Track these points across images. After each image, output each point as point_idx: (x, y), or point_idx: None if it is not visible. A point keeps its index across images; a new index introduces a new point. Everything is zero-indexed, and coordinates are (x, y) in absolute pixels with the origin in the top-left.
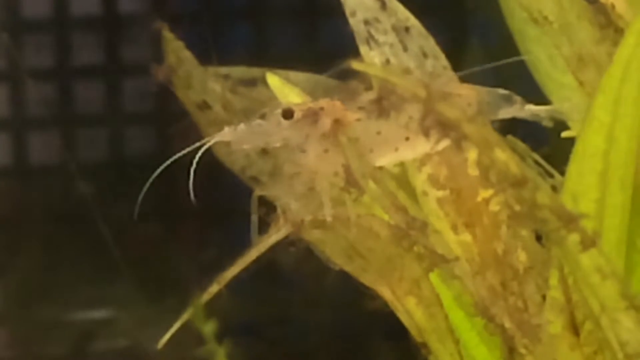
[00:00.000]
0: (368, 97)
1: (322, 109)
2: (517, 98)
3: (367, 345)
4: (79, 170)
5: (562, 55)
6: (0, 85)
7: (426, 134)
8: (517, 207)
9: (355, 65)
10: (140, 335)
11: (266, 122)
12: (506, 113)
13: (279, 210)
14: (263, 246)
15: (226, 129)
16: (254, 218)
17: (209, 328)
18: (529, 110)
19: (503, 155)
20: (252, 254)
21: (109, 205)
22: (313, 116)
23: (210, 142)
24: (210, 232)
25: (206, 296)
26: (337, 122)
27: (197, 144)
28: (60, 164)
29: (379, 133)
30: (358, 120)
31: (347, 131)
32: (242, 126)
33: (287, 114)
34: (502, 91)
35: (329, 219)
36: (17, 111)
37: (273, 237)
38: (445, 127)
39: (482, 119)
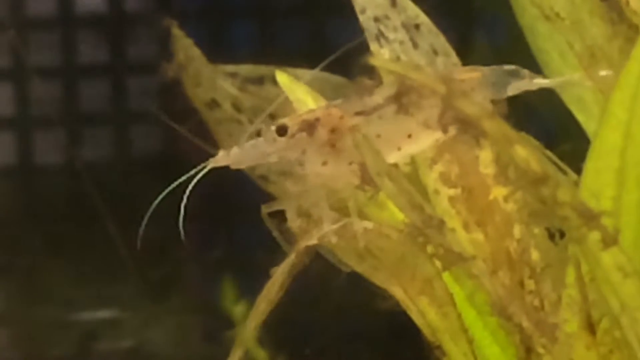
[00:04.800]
0: (385, 93)
1: (317, 119)
2: (525, 72)
3: (378, 346)
4: (84, 169)
5: (573, 52)
6: (6, 84)
7: (445, 130)
8: (537, 205)
9: (374, 61)
10: (144, 336)
11: (261, 140)
12: (515, 88)
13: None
14: (280, 276)
15: (221, 153)
16: (276, 234)
17: (238, 310)
18: (538, 83)
19: (523, 151)
20: (274, 286)
21: (114, 204)
22: (309, 128)
23: (206, 168)
24: (215, 232)
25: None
26: (334, 132)
27: (195, 170)
28: (65, 162)
29: (379, 136)
30: (356, 126)
31: (345, 140)
32: (235, 149)
33: (281, 130)
34: (508, 67)
35: (333, 240)
36: (22, 109)
37: (285, 265)
38: (465, 123)
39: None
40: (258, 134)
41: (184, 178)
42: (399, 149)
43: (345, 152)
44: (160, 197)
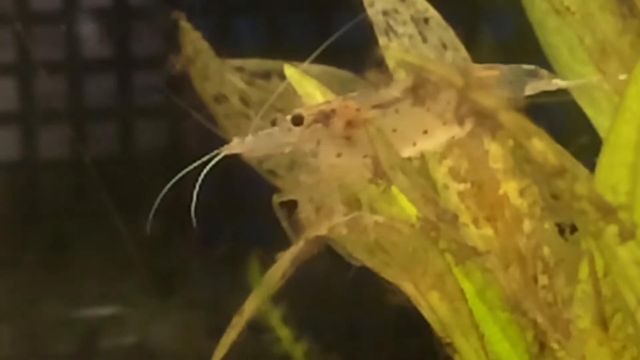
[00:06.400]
0: (401, 86)
1: (333, 111)
2: (544, 72)
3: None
4: (89, 165)
5: (584, 47)
6: (11, 78)
7: (461, 123)
8: (554, 198)
9: (392, 52)
10: (148, 332)
11: (276, 130)
12: (533, 88)
13: (299, 219)
14: (284, 263)
15: (235, 141)
16: (285, 224)
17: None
18: (557, 84)
19: (540, 144)
20: (277, 272)
21: (119, 199)
22: (324, 120)
23: (219, 155)
24: (219, 228)
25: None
26: (350, 124)
27: (208, 156)
28: (69, 158)
29: (394, 130)
30: (372, 119)
31: (360, 133)
32: (250, 137)
33: (297, 120)
34: (526, 66)
35: (343, 232)
36: (27, 104)
37: (291, 252)
38: (481, 116)
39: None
40: (273, 123)
41: (191, 168)
42: (414, 144)
43: (360, 145)
44: (166, 188)
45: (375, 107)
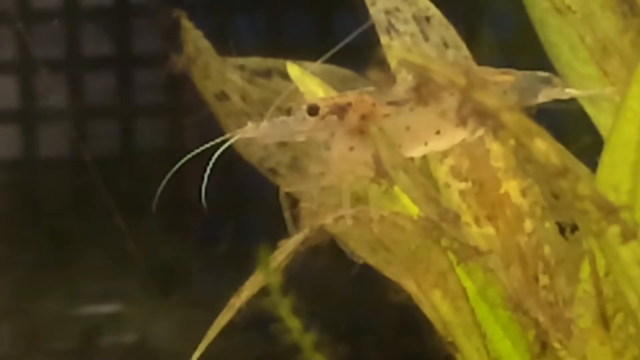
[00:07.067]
0: (405, 86)
1: (349, 104)
2: (557, 80)
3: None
4: (89, 163)
5: (584, 46)
6: (12, 76)
7: (463, 123)
8: (555, 198)
9: (394, 52)
10: (148, 330)
11: (291, 118)
12: (546, 96)
13: (301, 210)
14: (286, 250)
15: (249, 125)
16: (287, 215)
17: (274, 279)
18: (570, 92)
19: (543, 144)
20: (280, 257)
21: (120, 197)
22: (340, 112)
23: (232, 139)
24: (220, 226)
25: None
26: (365, 118)
27: (217, 140)
28: (69, 156)
29: (408, 128)
30: (387, 115)
31: (375, 128)
32: (265, 123)
33: (313, 110)
34: (541, 73)
35: (349, 222)
36: (27, 102)
37: (294, 240)
38: (484, 116)
39: (521, 107)
40: (289, 111)
41: (196, 152)
42: (426, 143)
43: (372, 140)
44: (168, 176)
45: (390, 103)
